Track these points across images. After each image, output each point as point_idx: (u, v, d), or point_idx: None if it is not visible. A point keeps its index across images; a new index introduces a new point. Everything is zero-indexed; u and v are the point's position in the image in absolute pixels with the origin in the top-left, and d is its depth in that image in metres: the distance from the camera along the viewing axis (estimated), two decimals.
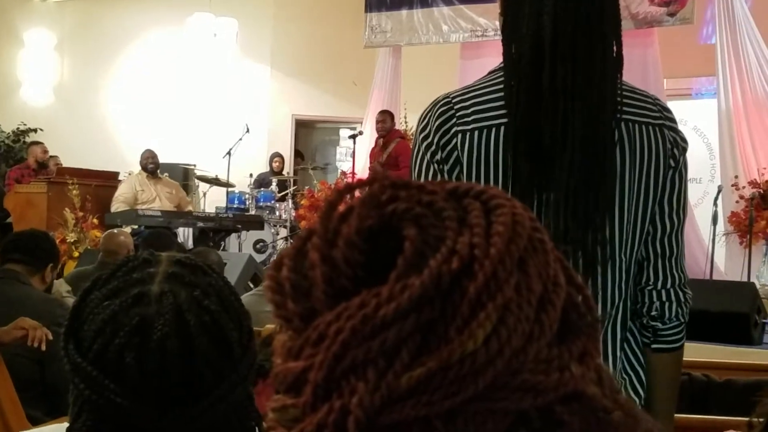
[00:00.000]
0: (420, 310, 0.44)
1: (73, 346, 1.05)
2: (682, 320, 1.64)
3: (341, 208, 0.49)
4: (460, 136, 1.55)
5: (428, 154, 1.57)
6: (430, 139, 1.57)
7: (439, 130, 1.56)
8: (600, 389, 0.48)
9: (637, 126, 1.57)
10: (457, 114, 1.56)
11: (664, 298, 1.62)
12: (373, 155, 9.12)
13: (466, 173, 1.54)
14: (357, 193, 0.49)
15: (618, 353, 1.61)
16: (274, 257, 4.75)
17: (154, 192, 9.03)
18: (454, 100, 1.58)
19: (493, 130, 1.53)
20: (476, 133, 1.54)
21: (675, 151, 1.60)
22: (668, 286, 1.63)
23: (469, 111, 1.55)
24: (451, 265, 0.44)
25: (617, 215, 1.56)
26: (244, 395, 1.11)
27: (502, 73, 1.57)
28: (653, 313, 1.62)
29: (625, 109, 1.56)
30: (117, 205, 8.71)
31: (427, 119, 1.60)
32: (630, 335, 1.64)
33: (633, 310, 1.63)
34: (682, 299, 1.63)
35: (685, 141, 1.63)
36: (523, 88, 1.51)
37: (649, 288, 1.63)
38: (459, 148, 1.55)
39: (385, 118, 9.09)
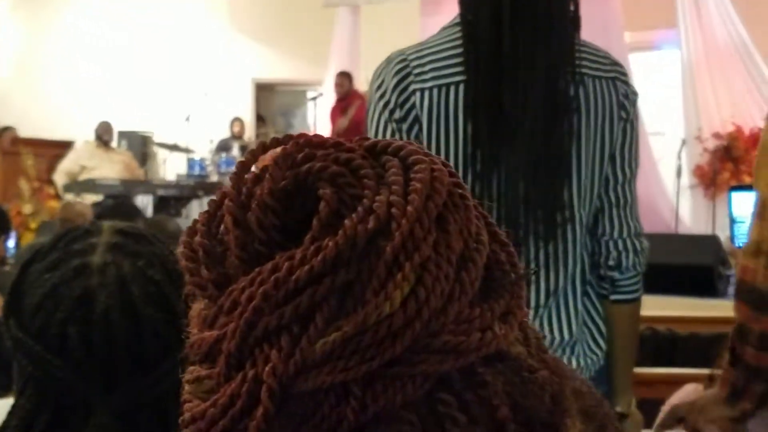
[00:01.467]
0: (335, 272, 0.42)
1: (14, 321, 1.03)
2: (639, 269, 1.67)
3: (255, 169, 0.47)
4: (418, 94, 1.54)
5: (386, 113, 1.56)
6: (387, 98, 1.56)
7: (396, 88, 1.56)
8: (525, 348, 0.48)
9: (591, 81, 1.59)
10: (414, 72, 1.56)
11: (620, 248, 1.65)
12: (334, 117, 9.06)
13: (426, 132, 1.54)
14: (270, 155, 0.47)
15: (579, 307, 1.64)
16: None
17: (106, 162, 8.90)
18: (409, 58, 1.57)
19: (452, 87, 1.54)
20: (435, 90, 1.54)
21: (626, 102, 1.62)
22: (624, 235, 1.66)
23: (426, 69, 1.55)
24: (367, 225, 0.42)
25: (575, 173, 1.59)
26: None
27: (457, 29, 1.57)
28: (610, 263, 1.65)
29: (580, 64, 1.57)
30: (58, 177, 8.58)
31: (382, 77, 1.59)
32: (590, 288, 1.67)
33: (591, 263, 1.66)
34: (638, 248, 1.67)
35: (635, 93, 1.66)
36: (482, 54, 1.52)
37: (605, 238, 1.66)
38: (418, 106, 1.54)
39: (343, 80, 9.04)
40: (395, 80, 1.56)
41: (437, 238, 0.44)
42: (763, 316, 1.36)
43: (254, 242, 0.45)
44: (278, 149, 0.47)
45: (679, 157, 7.72)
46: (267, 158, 0.47)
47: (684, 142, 7.86)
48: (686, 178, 7.84)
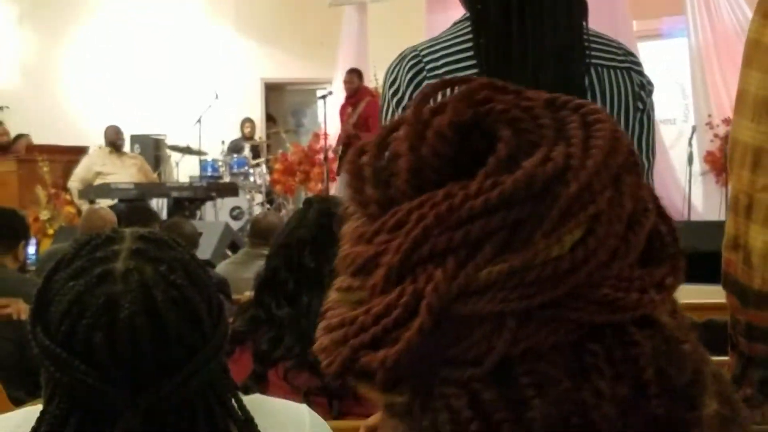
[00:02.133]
0: (509, 208, 0.43)
1: (41, 329, 1.05)
2: None
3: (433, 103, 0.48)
4: None
5: (399, 109, 1.55)
6: (400, 94, 1.56)
7: (410, 84, 1.55)
8: (674, 321, 0.48)
9: (605, 71, 1.57)
10: (427, 67, 1.55)
11: None
12: (343, 114, 9.06)
13: None
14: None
15: None
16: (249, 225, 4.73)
17: (119, 167, 8.93)
18: (422, 53, 1.56)
19: None
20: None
21: (642, 93, 1.61)
22: None
23: (439, 63, 1.55)
24: (546, 169, 0.44)
25: None
26: (218, 368, 1.10)
27: (468, 24, 1.56)
28: None
29: (592, 54, 1.56)
30: (73, 184, 8.61)
31: (395, 73, 1.58)
32: None
33: None
34: None
35: (651, 83, 1.64)
36: (492, 44, 1.50)
37: None
38: (431, 102, 1.52)
39: (352, 77, 9.01)
40: (409, 76, 1.55)
41: (612, 194, 0.45)
42: (748, 309, 1.38)
43: (425, 169, 0.46)
44: (461, 87, 0.48)
45: (690, 144, 7.69)
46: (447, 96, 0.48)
47: (694, 129, 7.83)
48: (697, 165, 7.81)
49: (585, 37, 1.55)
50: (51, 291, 1.06)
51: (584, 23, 1.55)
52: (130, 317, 1.01)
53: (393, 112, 1.57)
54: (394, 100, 1.56)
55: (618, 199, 0.45)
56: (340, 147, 8.77)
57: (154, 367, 1.03)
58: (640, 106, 1.61)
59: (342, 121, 9.05)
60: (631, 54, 1.64)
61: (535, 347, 0.44)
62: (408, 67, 1.56)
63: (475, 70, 1.52)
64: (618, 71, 1.59)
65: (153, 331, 1.02)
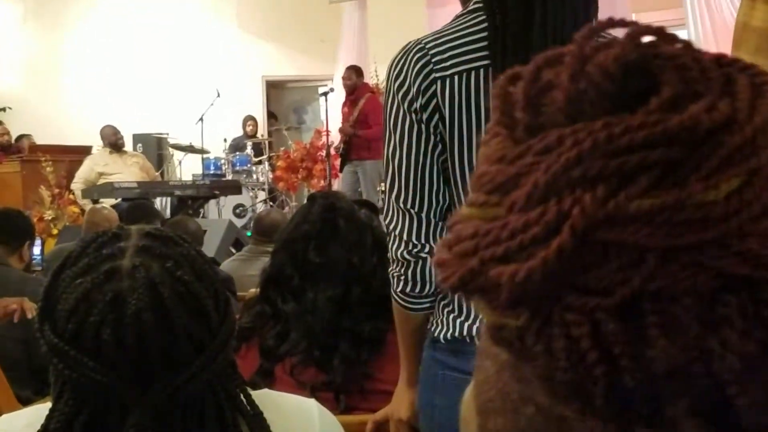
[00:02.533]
0: (669, 146, 0.43)
1: (48, 327, 1.05)
2: None
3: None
4: (439, 83, 1.52)
5: (405, 103, 1.54)
6: (406, 86, 1.54)
7: (418, 76, 1.54)
8: None
9: None
10: (434, 59, 1.53)
11: None
12: (344, 111, 9.05)
13: (448, 120, 1.52)
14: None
15: None
16: (253, 221, 4.73)
17: (121, 166, 8.94)
18: (427, 46, 1.55)
19: (473, 73, 1.51)
20: (456, 78, 1.52)
21: None
22: None
23: (445, 56, 1.53)
24: (712, 116, 0.43)
25: None
26: (225, 363, 1.11)
27: (474, 16, 1.54)
28: None
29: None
30: (76, 186, 8.62)
31: (400, 66, 1.56)
32: None
33: None
34: None
35: None
36: (510, 32, 1.48)
37: None
38: (439, 95, 1.52)
39: (350, 74, 8.97)
40: (416, 68, 1.54)
41: None
42: None
43: (584, 101, 0.45)
44: (629, 28, 0.47)
45: None
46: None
47: None
48: None
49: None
50: (58, 289, 1.07)
51: (596, 17, 1.54)
52: (138, 313, 1.02)
53: (399, 105, 1.55)
54: (400, 93, 1.55)
55: None
56: (342, 144, 8.77)
57: (162, 363, 1.03)
58: None
59: (343, 116, 9.04)
60: None
61: (669, 288, 0.43)
62: (414, 60, 1.54)
63: (484, 62, 1.51)
64: None
65: (160, 326, 1.03)
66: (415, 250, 1.57)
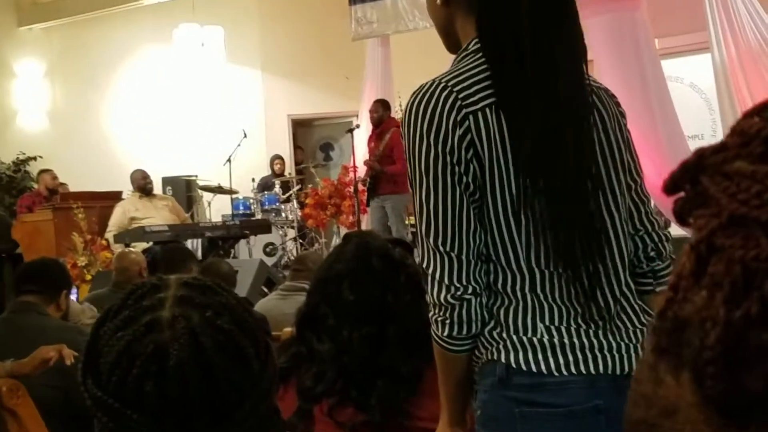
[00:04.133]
0: None
1: (92, 381, 1.06)
2: (672, 256, 1.73)
3: None
4: (471, 117, 1.54)
5: (438, 145, 1.55)
6: (436, 126, 1.55)
7: (450, 114, 1.55)
8: None
9: (600, 91, 1.69)
10: (461, 96, 1.55)
11: (656, 239, 1.72)
12: (371, 146, 9.08)
13: (487, 153, 1.54)
14: None
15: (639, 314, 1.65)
16: (285, 259, 4.81)
17: (152, 210, 9.02)
18: (450, 84, 1.57)
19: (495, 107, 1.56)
20: (487, 110, 1.55)
21: (621, 109, 1.73)
22: (656, 228, 1.73)
23: (471, 91, 1.56)
24: None
25: (608, 186, 1.64)
26: (268, 410, 1.11)
27: (480, 55, 1.60)
28: (651, 253, 1.71)
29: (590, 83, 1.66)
30: (110, 233, 8.70)
31: (425, 107, 1.56)
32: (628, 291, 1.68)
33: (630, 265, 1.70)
34: (669, 236, 1.74)
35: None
36: (509, 86, 1.56)
37: (641, 233, 1.71)
38: (473, 129, 1.54)
39: (377, 107, 9.00)
40: (446, 108, 1.54)
41: None
42: None
43: None
44: None
45: None
46: None
47: None
48: None
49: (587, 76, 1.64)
50: (100, 342, 1.08)
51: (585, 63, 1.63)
52: (179, 365, 1.02)
53: (429, 147, 1.55)
54: (431, 135, 1.55)
55: None
56: (368, 179, 8.78)
57: (205, 413, 1.04)
58: (624, 121, 1.71)
59: (369, 150, 9.06)
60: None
61: None
62: (442, 99, 1.55)
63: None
64: (601, 90, 1.69)
65: (202, 377, 1.03)
66: (459, 293, 1.57)
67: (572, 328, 1.56)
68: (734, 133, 0.47)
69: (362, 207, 9.14)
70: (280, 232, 10.18)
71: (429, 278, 1.61)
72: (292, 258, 9.54)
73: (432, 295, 1.61)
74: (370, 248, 2.17)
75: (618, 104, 1.73)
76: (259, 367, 1.09)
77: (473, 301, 1.58)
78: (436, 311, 1.61)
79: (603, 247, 1.61)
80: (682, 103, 8.08)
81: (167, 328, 1.05)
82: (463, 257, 1.57)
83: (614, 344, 1.57)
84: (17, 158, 11.52)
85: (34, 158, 11.48)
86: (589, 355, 1.55)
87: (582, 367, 1.54)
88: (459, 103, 1.54)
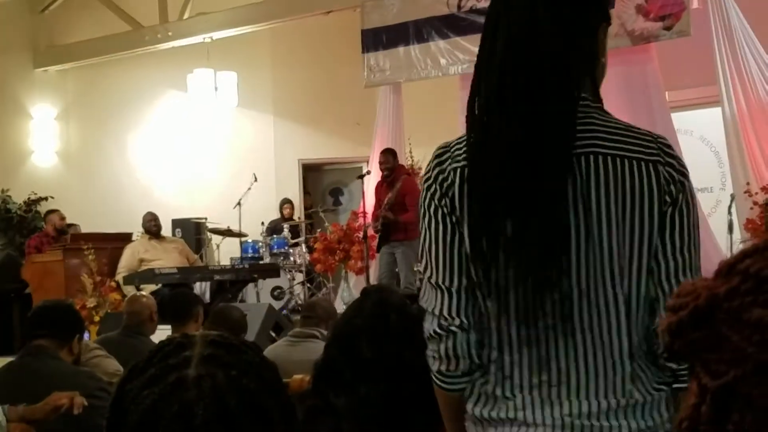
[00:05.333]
0: None
1: None
2: None
3: None
4: (452, 173, 1.62)
5: (429, 194, 1.64)
6: (430, 181, 1.64)
7: (436, 168, 1.64)
8: None
9: (626, 161, 1.57)
10: (454, 155, 1.64)
11: None
12: (378, 192, 9.09)
13: (459, 201, 1.60)
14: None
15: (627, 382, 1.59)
16: (293, 303, 4.85)
17: (161, 252, 9.05)
18: (451, 144, 1.66)
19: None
20: (463, 168, 1.61)
21: (671, 187, 1.58)
22: None
23: (461, 150, 1.63)
24: None
25: (599, 250, 1.55)
26: None
27: None
28: (666, 354, 1.60)
29: (611, 144, 1.58)
30: (120, 275, 8.73)
31: (427, 166, 1.68)
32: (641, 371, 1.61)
33: (647, 351, 1.61)
34: None
35: (684, 176, 1.61)
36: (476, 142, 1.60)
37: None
38: (457, 183, 1.61)
39: (387, 158, 9.00)
40: (436, 162, 1.65)
41: None
42: None
43: None
44: None
45: (730, 213, 7.62)
46: None
47: (733, 197, 7.77)
48: (738, 233, 7.73)
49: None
50: (125, 400, 1.08)
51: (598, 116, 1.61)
52: (205, 424, 1.03)
53: (424, 193, 1.65)
54: (426, 186, 1.66)
55: None
56: (379, 223, 8.78)
57: None
58: (668, 199, 1.57)
59: (377, 198, 9.08)
60: (667, 147, 1.62)
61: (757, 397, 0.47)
62: (437, 155, 1.67)
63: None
64: (642, 163, 1.57)
65: None
66: (446, 323, 1.60)
67: None
68: (738, 274, 0.49)
69: (372, 252, 9.15)
70: (288, 276, 10.19)
71: (425, 313, 1.65)
72: (300, 302, 9.55)
73: (425, 327, 1.64)
74: (389, 305, 2.17)
75: (667, 177, 1.59)
76: (283, 429, 1.10)
77: (458, 335, 1.60)
78: (429, 346, 1.64)
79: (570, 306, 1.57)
80: (691, 155, 8.10)
81: (193, 387, 1.05)
82: (453, 290, 1.60)
83: None
84: (29, 198, 11.58)
85: (46, 198, 11.54)
86: None
87: None
88: (449, 160, 1.63)
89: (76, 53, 11.79)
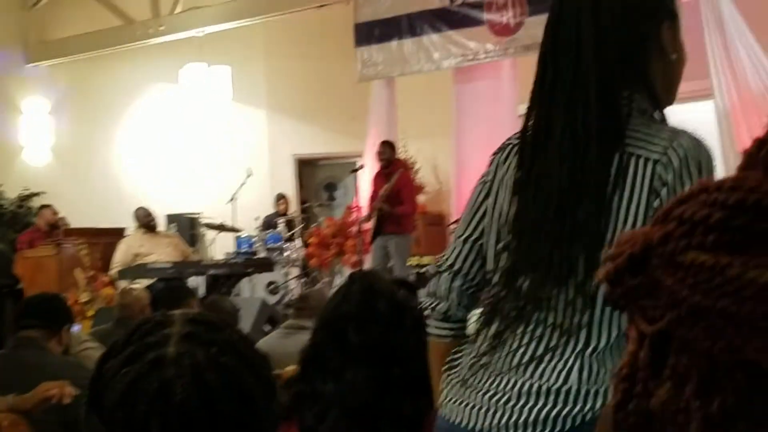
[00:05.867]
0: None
1: (97, 417, 1.06)
2: None
3: None
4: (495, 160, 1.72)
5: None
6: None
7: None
8: None
9: (634, 159, 1.56)
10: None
11: None
12: (377, 184, 9.08)
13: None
14: None
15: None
16: (287, 298, 4.86)
17: (156, 246, 9.04)
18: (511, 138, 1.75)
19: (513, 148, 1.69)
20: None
21: (662, 190, 1.56)
22: None
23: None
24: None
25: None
26: None
27: None
28: None
29: (630, 142, 1.57)
30: (115, 269, 8.71)
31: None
32: None
33: None
34: None
35: (673, 180, 1.57)
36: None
37: None
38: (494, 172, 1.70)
39: (385, 149, 9.04)
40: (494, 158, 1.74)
41: None
42: None
43: None
44: None
45: None
46: None
47: None
48: None
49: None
50: (104, 378, 1.07)
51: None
52: (184, 402, 1.02)
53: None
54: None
55: None
56: (375, 213, 8.75)
57: None
58: (654, 203, 1.55)
59: (374, 189, 9.07)
60: (678, 147, 1.60)
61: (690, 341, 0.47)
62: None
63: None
64: (644, 161, 1.57)
65: (207, 414, 1.03)
66: (440, 265, 1.73)
67: None
68: (673, 220, 0.49)
69: (365, 247, 9.14)
70: (283, 271, 10.18)
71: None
72: (295, 297, 9.54)
73: None
74: (376, 290, 2.17)
75: (661, 180, 1.56)
76: (264, 404, 1.09)
77: (444, 275, 1.70)
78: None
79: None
80: None
81: (172, 365, 1.05)
82: (461, 239, 1.70)
83: None
84: (21, 194, 11.55)
85: (38, 194, 11.50)
86: None
87: None
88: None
89: (67, 48, 11.74)
